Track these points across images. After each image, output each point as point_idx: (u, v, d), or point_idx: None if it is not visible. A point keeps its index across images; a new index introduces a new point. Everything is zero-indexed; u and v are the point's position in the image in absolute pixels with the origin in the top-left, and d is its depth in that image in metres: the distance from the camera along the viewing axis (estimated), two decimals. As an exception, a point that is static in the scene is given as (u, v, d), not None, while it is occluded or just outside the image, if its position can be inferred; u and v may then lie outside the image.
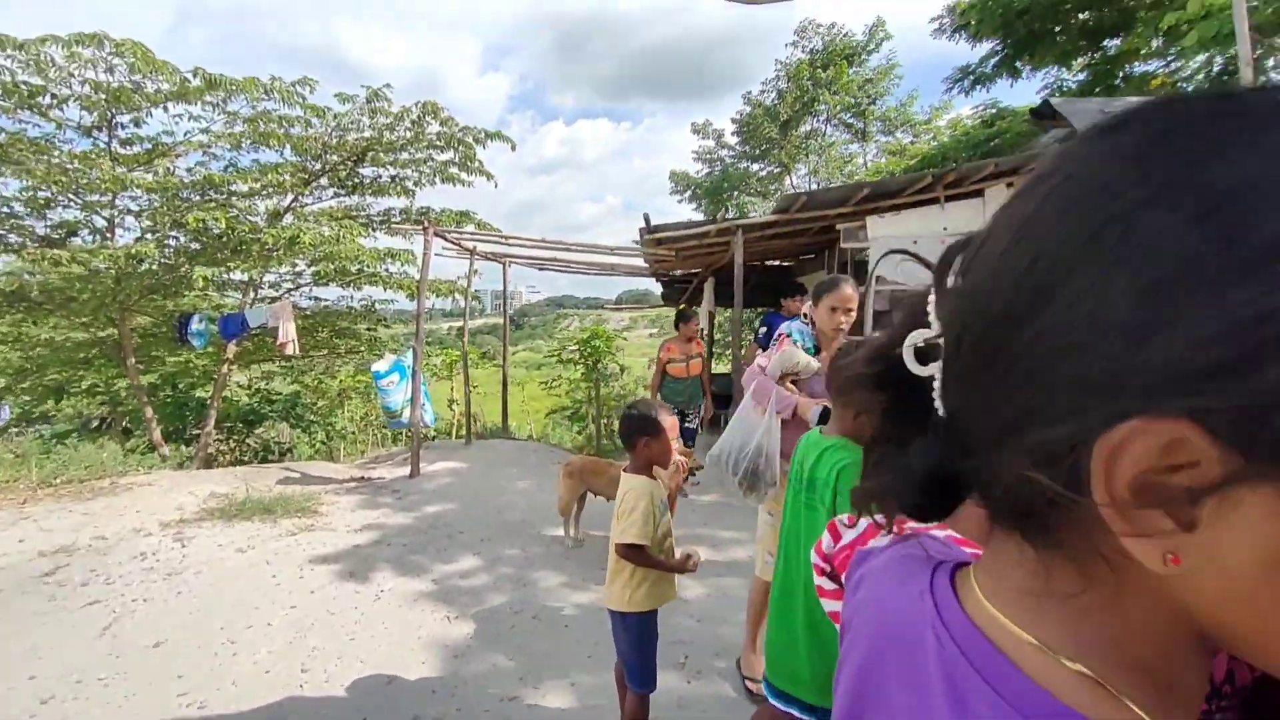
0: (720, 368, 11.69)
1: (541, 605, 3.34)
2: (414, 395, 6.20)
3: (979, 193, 5.51)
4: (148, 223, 8.24)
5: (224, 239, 7.71)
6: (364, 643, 2.97)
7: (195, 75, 7.59)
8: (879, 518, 0.43)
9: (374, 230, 9.57)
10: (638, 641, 2.04)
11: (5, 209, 7.82)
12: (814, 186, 17.54)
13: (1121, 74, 9.88)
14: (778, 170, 19.02)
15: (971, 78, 11.24)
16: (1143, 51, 9.65)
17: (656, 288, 11.61)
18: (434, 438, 8.92)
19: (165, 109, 7.94)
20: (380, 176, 9.54)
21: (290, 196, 8.76)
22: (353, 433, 10.26)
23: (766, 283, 9.32)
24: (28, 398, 9.96)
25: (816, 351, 2.51)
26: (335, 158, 8.72)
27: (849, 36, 17.03)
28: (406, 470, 6.15)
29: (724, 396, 9.03)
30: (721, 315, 12.82)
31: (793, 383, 2.47)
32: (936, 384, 0.36)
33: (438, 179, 9.63)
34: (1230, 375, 0.24)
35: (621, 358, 15.25)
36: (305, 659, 2.82)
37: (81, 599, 3.37)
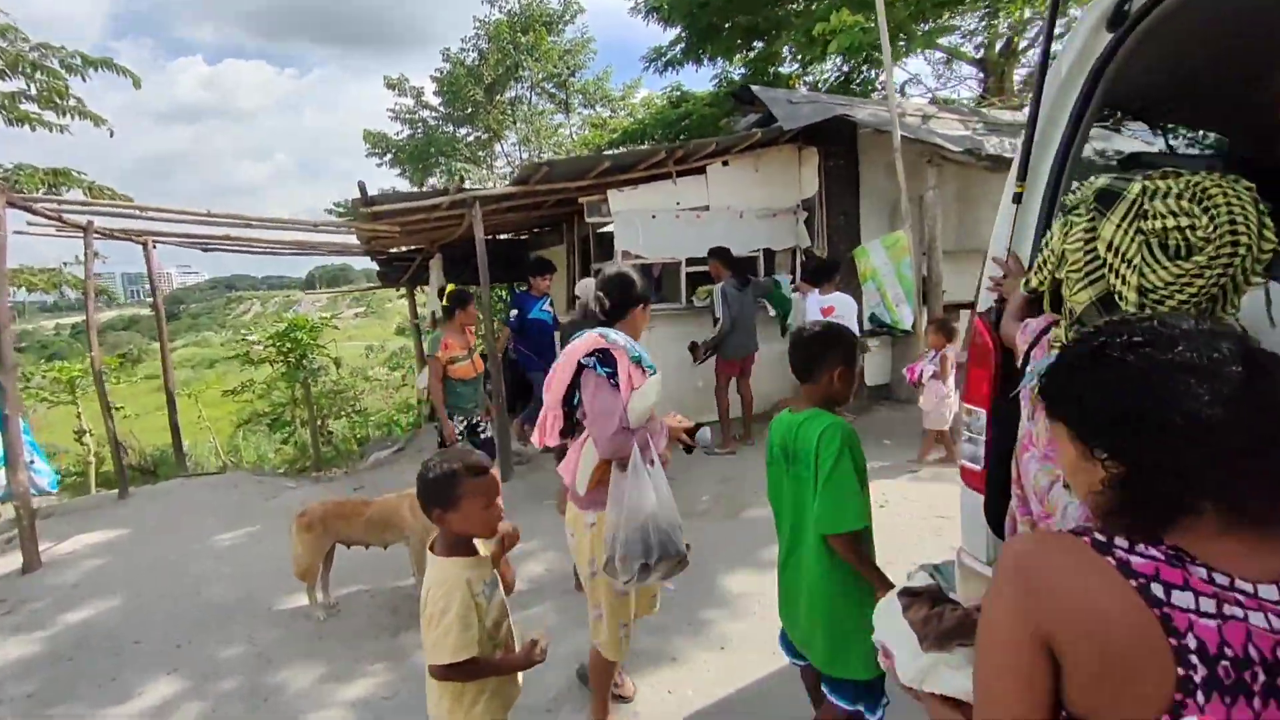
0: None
1: None
2: (8, 451, 4.15)
3: (702, 169, 5.87)
4: None
5: None
6: None
7: None
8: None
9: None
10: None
11: None
12: (525, 156, 17.24)
13: (771, 72, 11.69)
14: (486, 136, 18.16)
15: (664, 60, 12.09)
16: (783, 54, 11.59)
17: (356, 262, 10.10)
18: (60, 498, 6.28)
19: None
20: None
21: None
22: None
23: (500, 256, 8.78)
24: None
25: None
26: None
27: (545, 3, 16.88)
28: (15, 563, 4.14)
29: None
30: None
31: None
32: None
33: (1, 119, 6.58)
34: None
35: (332, 349, 13.12)
36: None
37: None
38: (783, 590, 1.93)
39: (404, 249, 8.42)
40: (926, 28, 9.09)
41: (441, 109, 17.59)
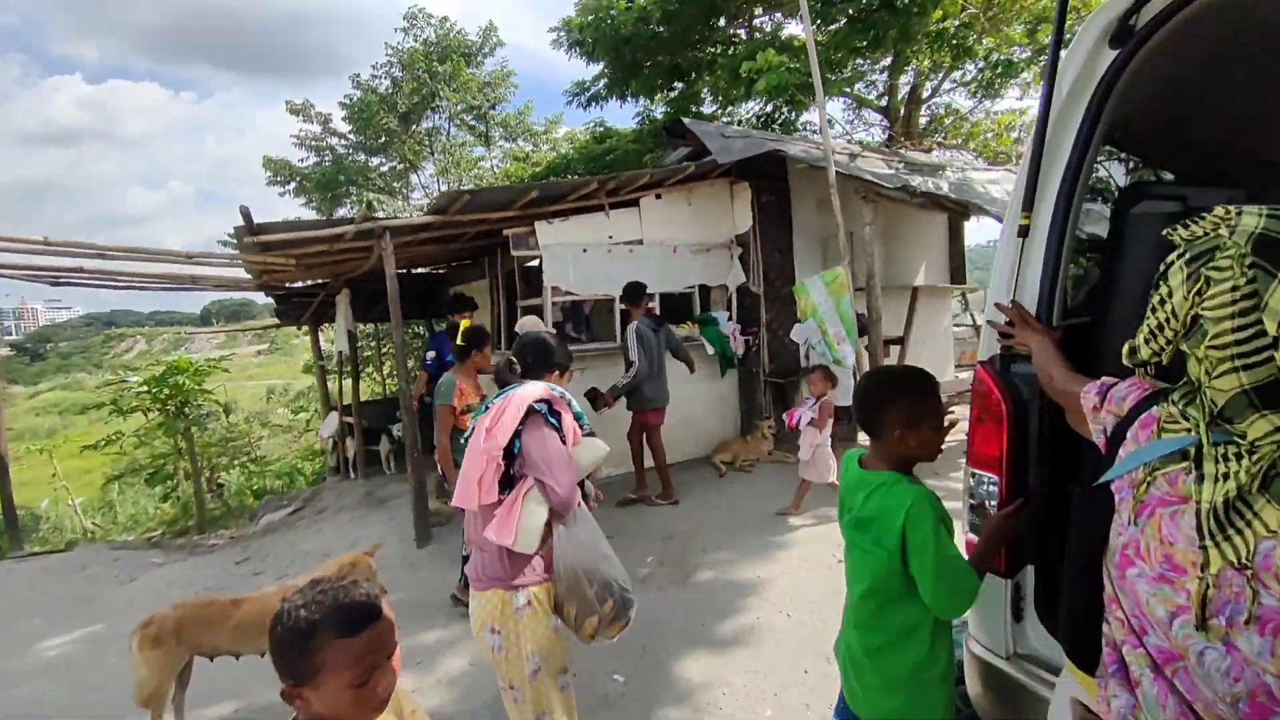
0: (373, 389, 9.93)
1: None
2: None
3: (635, 202, 5.61)
4: None
5: None
6: None
7: None
8: None
9: None
10: None
11: None
12: (444, 187, 16.60)
13: (693, 111, 11.84)
14: (402, 166, 17.39)
15: (587, 95, 12.00)
16: (703, 95, 11.80)
17: (258, 295, 9.13)
18: None
19: None
20: None
21: None
22: None
23: (415, 292, 8.13)
24: None
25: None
26: None
27: (463, 34, 16.55)
28: None
29: (375, 431, 7.55)
30: (363, 332, 10.92)
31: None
32: None
33: None
34: None
35: (222, 393, 11.77)
36: None
37: None
38: (842, 661, 1.64)
39: (306, 283, 7.61)
40: (834, 78, 9.45)
41: (352, 137, 16.73)
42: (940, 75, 10.84)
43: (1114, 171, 2.13)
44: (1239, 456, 0.79)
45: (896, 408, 1.41)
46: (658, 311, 5.51)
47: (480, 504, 1.76)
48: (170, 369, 8.69)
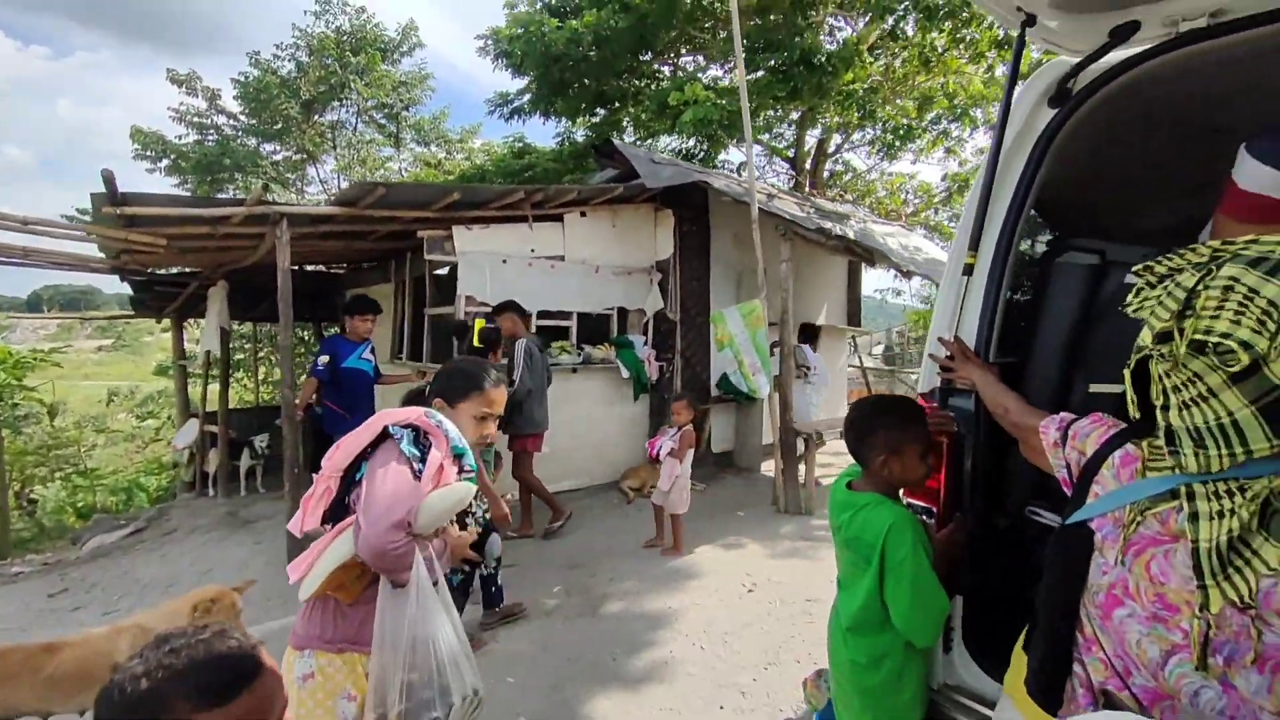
0: (250, 397, 8.84)
1: None
2: None
3: (559, 217, 5.49)
4: None
5: None
6: None
7: None
8: None
9: None
10: None
11: None
12: (345, 183, 15.56)
13: (613, 136, 11.99)
14: (299, 157, 16.16)
15: (510, 107, 11.80)
16: (624, 124, 12.01)
17: (106, 282, 7.94)
18: None
19: None
20: None
21: None
22: None
23: (306, 292, 7.44)
24: None
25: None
26: None
27: (381, 28, 15.81)
28: None
29: (240, 443, 6.71)
30: (237, 332, 9.80)
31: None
32: None
33: None
34: None
35: (49, 391, 10.11)
36: None
37: None
38: (833, 673, 1.69)
39: (174, 270, 6.73)
40: (752, 124, 9.96)
41: (244, 118, 15.34)
42: (846, 134, 11.70)
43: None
44: (1231, 494, 0.80)
45: (881, 435, 1.47)
46: (571, 333, 5.38)
47: (302, 529, 1.51)
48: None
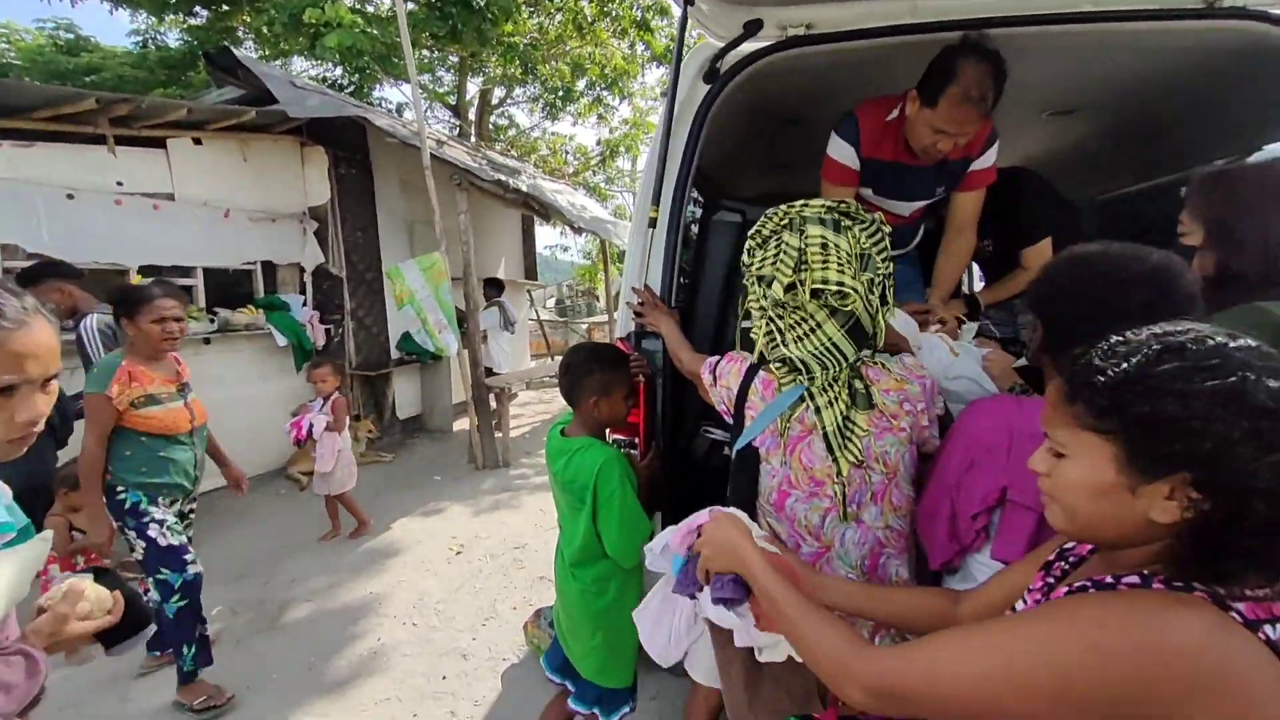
0: None
1: None
2: None
3: (160, 143, 4.18)
4: None
5: None
6: None
7: None
8: None
9: None
10: None
11: None
12: None
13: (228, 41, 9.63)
14: None
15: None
16: (239, 35, 9.76)
17: None
18: None
19: None
20: None
21: None
22: None
23: None
24: None
25: None
26: None
27: None
28: None
29: None
30: None
31: None
32: None
33: None
34: None
35: None
36: None
37: None
38: (560, 608, 1.77)
39: None
40: (403, 62, 9.15)
41: None
42: (508, 88, 11.68)
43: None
44: (833, 387, 1.12)
45: (595, 378, 1.57)
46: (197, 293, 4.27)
47: None
48: None
